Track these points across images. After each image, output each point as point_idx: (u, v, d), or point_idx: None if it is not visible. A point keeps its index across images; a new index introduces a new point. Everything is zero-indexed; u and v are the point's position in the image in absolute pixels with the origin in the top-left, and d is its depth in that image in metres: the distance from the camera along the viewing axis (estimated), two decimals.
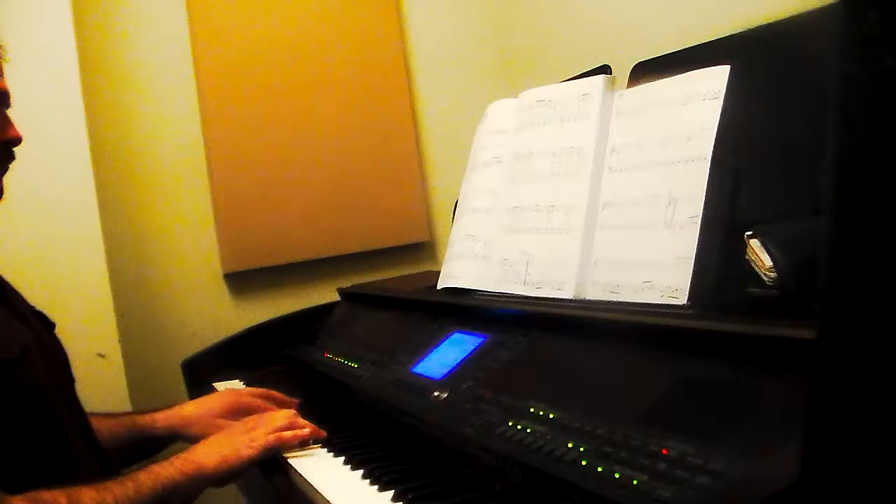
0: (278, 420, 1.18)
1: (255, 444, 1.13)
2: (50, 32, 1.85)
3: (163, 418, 1.35)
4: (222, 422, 1.32)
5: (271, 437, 1.14)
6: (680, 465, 0.71)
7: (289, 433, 1.16)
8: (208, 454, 1.10)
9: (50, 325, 1.25)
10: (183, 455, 1.10)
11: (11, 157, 1.16)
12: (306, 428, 1.18)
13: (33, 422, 1.03)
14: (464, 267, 1.42)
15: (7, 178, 1.16)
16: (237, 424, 1.21)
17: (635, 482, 0.73)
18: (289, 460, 1.15)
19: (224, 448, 1.11)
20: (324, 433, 1.20)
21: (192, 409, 1.36)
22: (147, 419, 1.35)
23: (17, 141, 1.15)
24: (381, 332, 1.60)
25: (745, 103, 1.02)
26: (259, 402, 1.37)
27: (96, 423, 1.24)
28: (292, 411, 1.25)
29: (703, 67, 1.06)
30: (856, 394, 0.37)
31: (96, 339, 1.83)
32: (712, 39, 1.26)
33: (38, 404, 1.05)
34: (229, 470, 1.10)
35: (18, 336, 1.07)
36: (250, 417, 1.23)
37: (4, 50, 1.16)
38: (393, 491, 0.94)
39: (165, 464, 1.06)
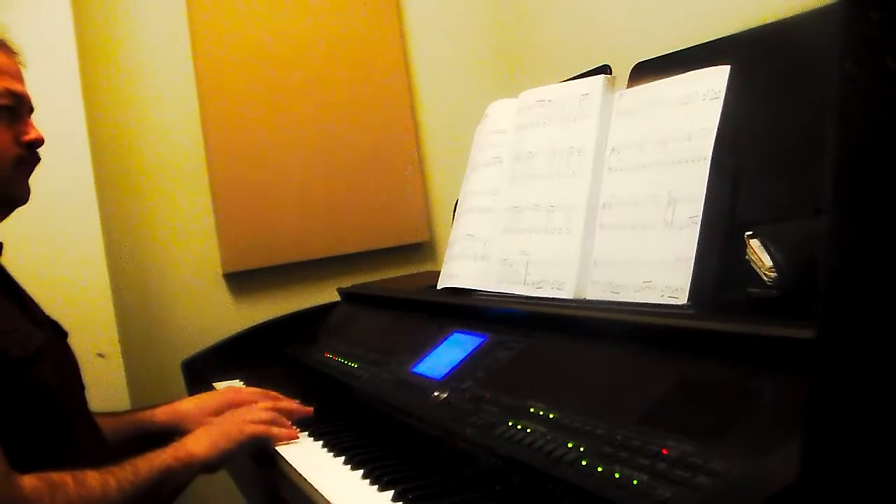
0: (264, 413, 1.27)
1: (244, 431, 1.20)
2: (50, 32, 1.85)
3: (161, 413, 1.39)
4: (217, 419, 1.34)
5: (259, 428, 1.22)
6: (680, 465, 0.71)
7: (276, 429, 1.24)
8: (199, 441, 1.17)
9: (63, 334, 1.30)
10: (176, 443, 1.16)
11: (36, 159, 1.21)
12: (290, 425, 1.27)
13: (43, 419, 1.08)
14: (464, 267, 1.42)
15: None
16: (226, 414, 1.29)
17: (635, 482, 0.73)
18: (288, 460, 1.15)
19: (214, 435, 1.18)
20: (310, 409, 1.31)
21: (189, 406, 1.41)
22: (147, 415, 1.40)
23: (40, 142, 1.20)
24: (381, 332, 1.60)
25: (745, 103, 1.02)
26: (256, 399, 1.39)
27: (100, 422, 1.28)
28: (277, 403, 1.33)
29: (703, 67, 1.06)
30: (856, 394, 0.37)
31: (96, 339, 1.83)
32: (712, 39, 1.26)
33: (49, 403, 1.10)
34: (219, 455, 1.16)
35: (33, 337, 1.12)
36: (239, 408, 1.31)
37: (20, 55, 1.19)
38: (393, 491, 0.94)
39: (160, 451, 1.12)
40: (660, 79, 1.14)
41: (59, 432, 1.11)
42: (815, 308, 0.38)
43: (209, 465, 1.16)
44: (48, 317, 1.28)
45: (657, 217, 1.05)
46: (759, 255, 0.89)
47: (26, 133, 1.17)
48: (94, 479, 1.01)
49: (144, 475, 1.06)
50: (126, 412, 1.45)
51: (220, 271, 2.16)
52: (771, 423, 0.70)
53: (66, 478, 0.99)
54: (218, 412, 1.36)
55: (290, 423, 1.27)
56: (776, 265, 0.87)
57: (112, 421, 1.35)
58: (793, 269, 0.86)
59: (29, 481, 0.95)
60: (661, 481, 0.71)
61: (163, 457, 1.10)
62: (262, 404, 1.32)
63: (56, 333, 1.28)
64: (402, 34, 2.34)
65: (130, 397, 1.85)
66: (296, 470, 1.11)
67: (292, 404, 1.34)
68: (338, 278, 2.10)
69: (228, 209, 2.13)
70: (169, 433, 1.36)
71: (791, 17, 1.14)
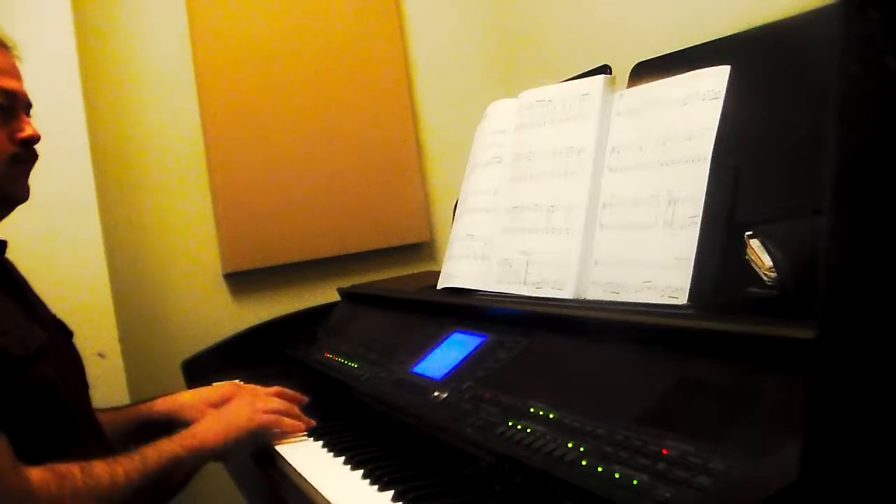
0: (276, 402, 1.27)
1: (254, 420, 1.20)
2: (50, 32, 1.85)
3: (160, 403, 1.40)
4: (215, 410, 1.34)
5: (271, 418, 1.22)
6: (680, 465, 0.71)
7: (287, 420, 1.24)
8: (208, 429, 1.17)
9: (68, 334, 1.31)
10: (184, 431, 1.17)
11: (33, 156, 1.20)
12: (300, 420, 1.27)
13: (46, 416, 1.09)
14: (464, 267, 1.42)
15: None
16: (236, 400, 1.28)
17: (635, 482, 0.73)
18: (288, 460, 1.15)
19: (223, 423, 1.19)
20: (313, 422, 1.28)
21: (188, 397, 1.42)
22: (146, 406, 1.41)
23: (36, 140, 1.18)
24: (381, 332, 1.60)
25: (745, 103, 1.02)
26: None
27: (101, 417, 1.29)
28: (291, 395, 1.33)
29: (703, 67, 1.06)
30: (856, 394, 0.37)
31: (96, 339, 1.83)
32: (712, 39, 1.26)
33: (52, 401, 1.10)
34: (227, 443, 1.17)
35: (35, 336, 1.12)
36: (247, 394, 1.31)
37: (15, 49, 1.18)
38: (393, 491, 0.94)
39: (169, 440, 1.13)
40: (660, 79, 1.14)
41: (61, 430, 1.11)
42: (815, 308, 0.38)
43: (218, 454, 1.17)
44: (54, 316, 1.28)
45: (657, 217, 1.05)
46: (759, 255, 0.89)
47: (21, 130, 1.15)
48: (101, 468, 1.02)
49: (153, 464, 1.06)
50: (127, 406, 1.47)
51: (220, 271, 2.16)
52: (771, 423, 0.70)
53: (73, 468, 1.00)
54: (218, 405, 1.36)
55: (299, 412, 1.27)
56: (776, 265, 0.87)
57: (114, 415, 1.37)
58: (793, 269, 0.86)
59: (36, 472, 0.96)
60: (661, 481, 0.71)
61: (172, 445, 1.11)
62: (271, 390, 1.32)
63: (62, 333, 1.28)
64: (403, 34, 2.34)
65: (131, 397, 1.85)
66: (296, 470, 1.11)
67: (297, 396, 1.34)
68: (338, 278, 2.10)
69: (228, 209, 2.13)
70: (167, 423, 1.37)
71: (791, 17, 1.14)
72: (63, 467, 0.99)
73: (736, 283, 0.95)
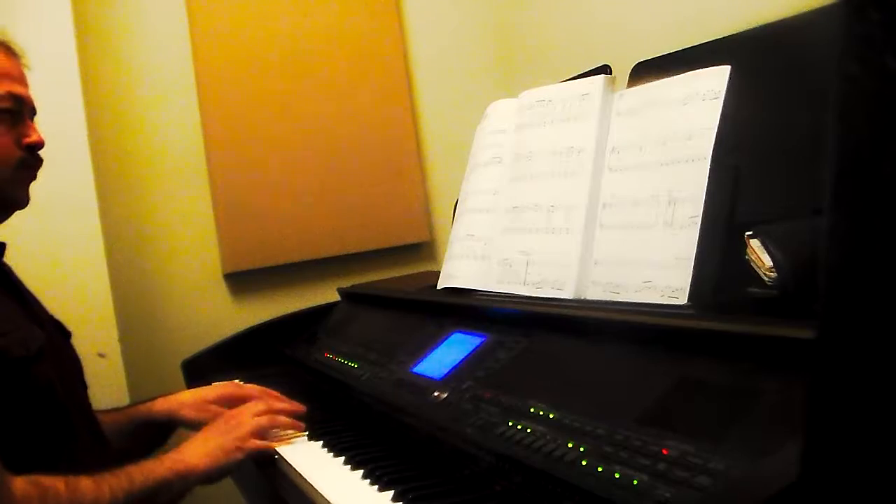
0: (262, 418, 1.22)
1: (243, 448, 1.16)
2: (50, 33, 1.85)
3: (161, 402, 1.40)
4: (215, 408, 1.36)
5: (260, 444, 1.19)
6: (680, 465, 0.71)
7: (275, 442, 1.21)
8: (197, 454, 1.14)
9: (66, 334, 1.31)
10: (173, 454, 1.14)
11: (38, 161, 1.21)
12: (289, 425, 1.25)
13: (44, 417, 1.09)
14: (464, 267, 1.42)
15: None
16: (221, 420, 1.23)
17: (635, 482, 0.73)
18: (288, 460, 1.15)
19: (212, 448, 1.15)
20: (303, 408, 1.29)
21: (187, 396, 1.42)
22: (145, 406, 1.41)
23: (41, 145, 1.19)
24: (381, 332, 1.60)
25: (745, 103, 1.02)
26: (255, 393, 1.38)
27: (101, 418, 1.29)
28: (272, 405, 1.29)
29: (703, 67, 1.06)
30: (856, 394, 0.37)
31: (96, 339, 1.83)
32: (712, 39, 1.26)
33: (50, 401, 1.10)
34: (217, 469, 1.14)
35: (35, 337, 1.13)
36: (233, 411, 1.25)
37: (23, 57, 1.19)
38: (393, 491, 0.94)
39: (157, 461, 1.10)
40: (660, 79, 1.14)
41: (59, 430, 1.12)
42: (815, 308, 0.38)
43: (206, 479, 1.14)
44: (52, 317, 1.28)
45: (657, 217, 1.05)
46: (759, 255, 0.89)
47: (28, 135, 1.17)
48: (86, 485, 1.00)
49: (139, 486, 1.05)
50: (127, 406, 1.47)
51: (220, 271, 2.16)
52: (771, 423, 0.70)
53: (58, 483, 0.98)
54: (216, 403, 1.36)
55: (288, 421, 1.26)
56: (776, 265, 0.87)
57: (114, 416, 1.37)
58: (793, 269, 0.86)
59: (20, 485, 0.94)
60: (661, 481, 0.71)
61: (161, 468, 1.09)
62: (257, 408, 1.25)
63: (60, 333, 1.28)
64: (403, 34, 2.34)
65: (131, 397, 1.85)
66: (296, 470, 1.11)
67: (286, 406, 1.30)
68: (338, 278, 2.10)
69: (228, 209, 2.13)
70: (167, 423, 1.37)
71: (791, 17, 1.14)
72: (48, 480, 0.97)
73: (736, 283, 0.95)
